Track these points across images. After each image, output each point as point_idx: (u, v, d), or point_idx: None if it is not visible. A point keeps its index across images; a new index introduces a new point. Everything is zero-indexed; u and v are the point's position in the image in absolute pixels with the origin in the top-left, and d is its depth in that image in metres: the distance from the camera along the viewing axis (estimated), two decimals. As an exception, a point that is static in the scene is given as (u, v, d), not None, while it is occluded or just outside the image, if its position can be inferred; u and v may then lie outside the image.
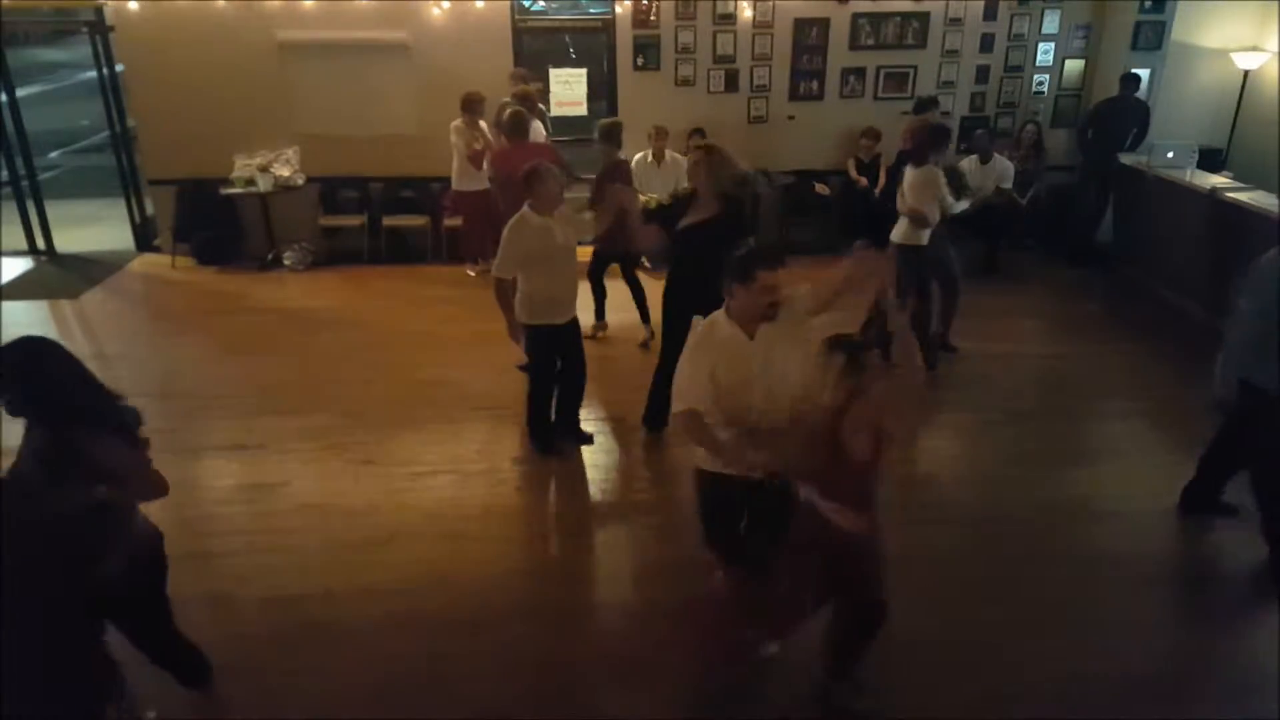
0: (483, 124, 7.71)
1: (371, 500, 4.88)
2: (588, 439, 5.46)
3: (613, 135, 6.47)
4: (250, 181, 8.37)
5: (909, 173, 6.15)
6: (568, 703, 3.57)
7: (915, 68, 8.86)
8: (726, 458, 3.31)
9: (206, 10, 8.10)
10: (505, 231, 4.84)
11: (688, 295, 4.59)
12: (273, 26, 8.20)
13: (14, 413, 2.74)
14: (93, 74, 9.19)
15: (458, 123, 7.73)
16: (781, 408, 3.31)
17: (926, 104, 8.25)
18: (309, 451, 5.35)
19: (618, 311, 6.99)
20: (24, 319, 7.38)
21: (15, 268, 8.61)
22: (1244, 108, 8.88)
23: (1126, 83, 8.42)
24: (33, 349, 2.80)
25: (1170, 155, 8.03)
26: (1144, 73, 8.73)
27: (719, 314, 3.37)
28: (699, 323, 3.43)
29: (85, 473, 2.70)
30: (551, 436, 5.33)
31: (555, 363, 5.18)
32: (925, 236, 6.13)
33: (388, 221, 8.74)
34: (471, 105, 7.65)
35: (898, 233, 6.22)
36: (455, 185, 7.97)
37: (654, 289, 5.93)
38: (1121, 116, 8.52)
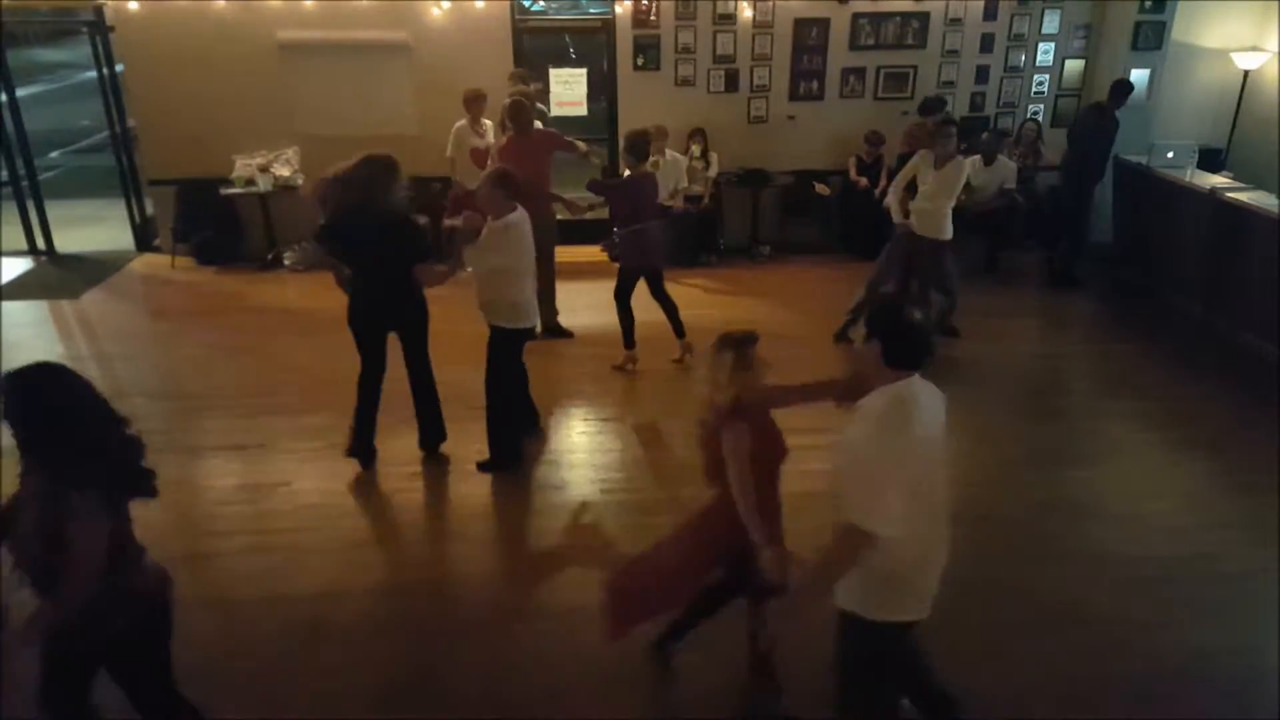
0: (486, 121, 7.65)
1: (371, 500, 4.89)
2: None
3: (637, 148, 6.13)
4: (250, 181, 8.37)
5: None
6: (566, 703, 3.57)
7: (915, 68, 8.86)
8: None
9: (206, 10, 8.10)
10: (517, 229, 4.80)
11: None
12: (273, 26, 8.19)
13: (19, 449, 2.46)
14: (93, 74, 9.20)
15: (460, 124, 7.65)
16: None
17: (933, 105, 8.19)
18: (309, 451, 5.35)
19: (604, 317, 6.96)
20: (24, 319, 7.39)
21: (15, 268, 8.60)
22: (1244, 108, 8.88)
23: (1114, 92, 7.68)
24: (34, 379, 2.43)
25: (1170, 155, 8.03)
26: (1144, 73, 8.72)
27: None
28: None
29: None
30: None
31: None
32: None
33: (388, 221, 8.71)
34: (472, 103, 7.55)
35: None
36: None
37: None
38: (1093, 132, 7.81)
